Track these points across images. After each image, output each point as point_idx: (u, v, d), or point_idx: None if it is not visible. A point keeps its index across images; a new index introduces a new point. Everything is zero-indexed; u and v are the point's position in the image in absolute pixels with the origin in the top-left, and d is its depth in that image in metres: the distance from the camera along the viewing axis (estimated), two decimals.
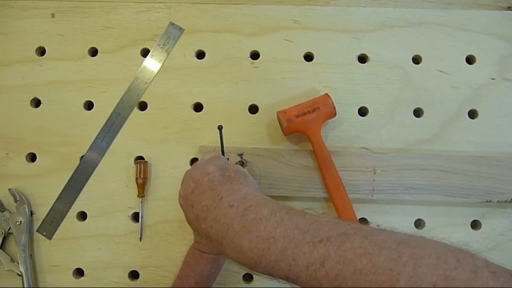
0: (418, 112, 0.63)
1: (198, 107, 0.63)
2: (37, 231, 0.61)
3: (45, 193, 0.61)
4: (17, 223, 0.60)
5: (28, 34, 0.64)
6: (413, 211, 0.61)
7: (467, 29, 0.63)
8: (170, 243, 0.61)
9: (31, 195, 0.61)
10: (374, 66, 0.63)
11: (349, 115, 0.62)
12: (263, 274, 0.36)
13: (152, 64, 0.63)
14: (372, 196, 0.58)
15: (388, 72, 0.63)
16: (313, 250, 0.32)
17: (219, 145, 0.55)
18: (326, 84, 0.62)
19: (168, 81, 0.63)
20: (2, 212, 0.60)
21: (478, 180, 0.58)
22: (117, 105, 0.62)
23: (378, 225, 0.60)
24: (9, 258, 0.60)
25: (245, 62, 0.63)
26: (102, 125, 0.62)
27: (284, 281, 0.34)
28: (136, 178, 0.60)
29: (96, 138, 0.62)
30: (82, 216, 0.62)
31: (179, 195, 0.46)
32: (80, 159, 0.62)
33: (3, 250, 0.60)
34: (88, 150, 0.62)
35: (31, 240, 0.61)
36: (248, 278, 0.61)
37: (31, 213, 0.61)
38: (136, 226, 0.61)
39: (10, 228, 0.60)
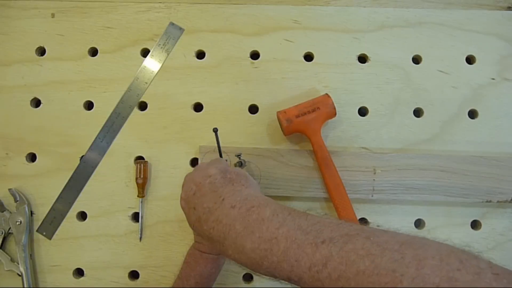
0: (418, 112, 0.63)
1: (198, 107, 0.63)
2: (37, 231, 0.61)
3: (45, 193, 0.61)
4: (17, 223, 0.60)
5: (28, 34, 0.64)
6: (413, 211, 0.61)
7: (467, 29, 0.63)
8: (170, 243, 0.61)
9: (31, 195, 0.61)
10: (374, 66, 0.63)
11: (349, 115, 0.62)
12: (266, 275, 0.36)
13: (152, 64, 0.63)
14: (372, 196, 0.58)
15: (388, 72, 0.63)
16: (316, 251, 0.31)
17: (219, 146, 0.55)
18: (326, 84, 0.62)
19: (168, 81, 0.63)
20: (2, 212, 0.60)
21: (478, 180, 0.58)
22: (117, 105, 0.62)
23: (378, 225, 0.60)
24: (9, 258, 0.60)
25: (245, 62, 0.63)
26: (102, 125, 0.62)
27: (286, 282, 0.34)
28: (136, 178, 0.60)
29: (96, 138, 0.62)
30: (82, 216, 0.62)
31: (181, 198, 0.46)
32: (80, 159, 0.62)
33: (3, 250, 0.60)
34: (88, 150, 0.62)
35: (31, 240, 0.61)
36: (248, 278, 0.61)
37: (31, 213, 0.61)
38: (136, 226, 0.61)
39: (10, 228, 0.60)
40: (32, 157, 0.62)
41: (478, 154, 0.60)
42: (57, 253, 0.61)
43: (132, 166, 0.61)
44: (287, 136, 0.60)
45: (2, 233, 0.60)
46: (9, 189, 0.60)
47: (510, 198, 0.58)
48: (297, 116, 0.56)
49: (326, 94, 0.58)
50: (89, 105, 0.64)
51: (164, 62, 0.63)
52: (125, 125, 0.62)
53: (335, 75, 0.63)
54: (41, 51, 0.64)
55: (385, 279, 0.27)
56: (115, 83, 0.63)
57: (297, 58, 0.63)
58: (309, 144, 0.58)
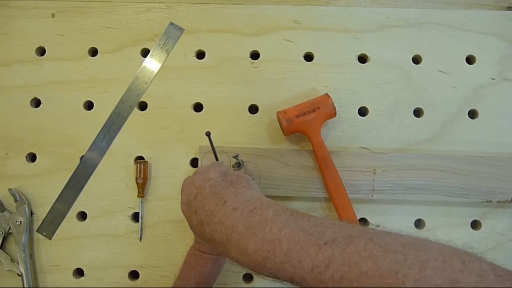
0: (418, 112, 0.63)
1: (198, 107, 0.63)
2: (37, 231, 0.61)
3: (45, 193, 0.61)
4: (17, 223, 0.60)
5: (28, 34, 0.64)
6: (413, 211, 0.61)
7: (467, 29, 0.63)
8: (170, 243, 0.61)
9: (31, 195, 0.61)
10: (374, 66, 0.63)
11: (349, 115, 0.62)
12: (269, 276, 0.36)
13: (152, 64, 0.63)
14: (372, 196, 0.58)
15: (388, 72, 0.63)
16: (318, 252, 0.31)
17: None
18: (326, 84, 0.62)
19: (168, 81, 0.63)
20: (2, 212, 0.60)
21: (478, 180, 0.58)
22: (117, 105, 0.62)
23: (378, 225, 0.60)
24: (9, 258, 0.60)
25: (245, 62, 0.63)
26: (102, 125, 0.62)
27: (289, 283, 0.34)
28: (136, 178, 0.60)
29: (96, 138, 0.62)
30: (82, 216, 0.62)
31: (181, 202, 0.46)
32: (80, 159, 0.62)
33: (3, 250, 0.60)
34: (88, 150, 0.62)
35: (31, 240, 0.61)
36: (248, 278, 0.61)
37: (31, 213, 0.61)
38: (136, 226, 0.61)
39: (10, 228, 0.60)
40: (32, 157, 0.62)
41: (478, 154, 0.60)
42: (57, 253, 0.61)
43: (132, 166, 0.61)
44: (287, 136, 0.60)
45: (2, 233, 0.60)
46: (9, 189, 0.60)
47: (510, 198, 0.58)
48: (297, 116, 0.56)
49: (326, 94, 0.58)
50: (89, 105, 0.64)
51: (164, 62, 0.63)
52: (125, 125, 0.62)
53: (335, 75, 0.63)
54: (41, 51, 0.64)
55: (387, 281, 0.27)
56: (115, 83, 0.63)
57: (297, 58, 0.63)
58: (309, 144, 0.58)
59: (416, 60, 0.63)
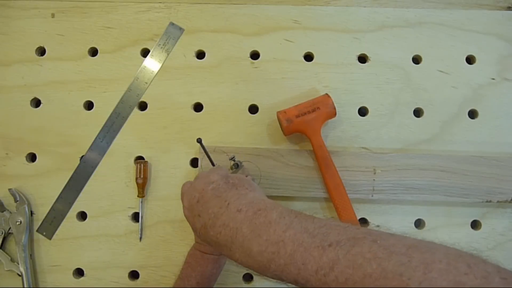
0: (418, 112, 0.63)
1: (198, 107, 0.63)
2: (37, 231, 0.61)
3: (45, 193, 0.61)
4: (17, 223, 0.60)
5: (28, 34, 0.64)
6: (413, 211, 0.60)
7: (467, 29, 0.63)
8: (170, 243, 0.61)
9: (31, 195, 0.61)
10: (374, 66, 0.63)
11: (349, 115, 0.62)
12: (273, 278, 0.36)
13: (152, 64, 0.63)
14: (372, 196, 0.58)
15: (388, 72, 0.63)
16: (323, 254, 0.31)
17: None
18: (326, 84, 0.62)
19: (168, 81, 0.63)
20: (2, 212, 0.60)
21: (478, 180, 0.58)
22: (117, 105, 0.62)
23: (378, 225, 0.60)
24: (9, 258, 0.60)
25: (245, 62, 0.63)
26: (102, 125, 0.62)
27: (294, 285, 0.34)
28: (136, 178, 0.60)
29: (96, 138, 0.62)
30: (82, 216, 0.62)
31: (184, 207, 0.45)
32: (80, 159, 0.62)
33: (3, 250, 0.60)
34: (88, 150, 0.62)
35: (31, 240, 0.61)
36: (248, 278, 0.61)
37: (31, 213, 0.61)
38: (136, 226, 0.61)
39: (10, 228, 0.60)
40: (32, 157, 0.62)
41: (478, 154, 0.60)
42: (57, 253, 0.61)
43: (132, 166, 0.61)
44: (287, 136, 0.60)
45: (2, 233, 0.60)
46: (9, 189, 0.60)
47: (510, 198, 0.58)
48: (297, 116, 0.56)
49: (326, 94, 0.58)
50: (89, 105, 0.64)
51: (164, 62, 0.63)
52: (125, 125, 0.62)
53: (335, 75, 0.63)
54: (41, 51, 0.64)
55: (392, 283, 0.27)
56: (115, 83, 0.63)
57: (297, 58, 0.63)
58: (309, 144, 0.58)
59: (416, 60, 0.63)
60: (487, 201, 0.58)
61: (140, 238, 0.61)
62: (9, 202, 0.61)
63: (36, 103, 0.63)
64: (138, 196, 0.60)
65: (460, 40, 0.63)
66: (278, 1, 0.64)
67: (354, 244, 0.31)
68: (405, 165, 0.58)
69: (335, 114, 0.58)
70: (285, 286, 0.36)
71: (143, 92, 0.63)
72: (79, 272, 0.61)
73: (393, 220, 0.60)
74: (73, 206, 0.61)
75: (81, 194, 0.61)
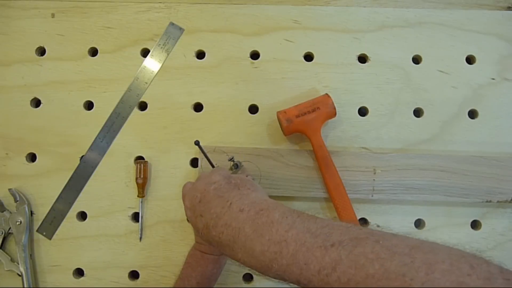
0: (418, 112, 0.63)
1: (198, 107, 0.63)
2: (37, 231, 0.61)
3: (45, 193, 0.61)
4: (17, 223, 0.60)
5: (28, 34, 0.64)
6: (413, 211, 0.60)
7: (467, 29, 0.63)
8: (170, 243, 0.61)
9: (31, 195, 0.61)
10: (374, 66, 0.63)
11: (349, 115, 0.62)
12: (276, 278, 0.36)
13: (152, 64, 0.63)
14: (372, 196, 0.58)
15: (388, 72, 0.63)
16: (325, 254, 0.31)
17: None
18: (326, 84, 0.62)
19: (168, 81, 0.63)
20: (2, 212, 0.60)
21: (478, 180, 0.58)
22: (117, 105, 0.62)
23: (378, 225, 0.60)
24: (9, 258, 0.60)
25: (245, 62, 0.63)
26: (102, 125, 0.62)
27: (296, 285, 0.34)
28: (136, 178, 0.60)
29: (96, 138, 0.62)
30: (82, 216, 0.62)
31: (186, 208, 0.45)
32: (80, 159, 0.62)
33: (3, 250, 0.60)
34: (88, 150, 0.62)
35: (31, 240, 0.61)
36: (248, 278, 0.61)
37: (31, 213, 0.61)
38: (136, 226, 0.61)
39: (10, 228, 0.60)
40: (32, 157, 0.62)
41: (478, 154, 0.60)
42: (57, 253, 0.61)
43: (132, 166, 0.61)
44: (287, 136, 0.60)
45: (2, 233, 0.60)
46: (9, 189, 0.60)
47: (510, 198, 0.58)
48: (297, 116, 0.56)
49: (326, 94, 0.58)
50: (89, 105, 0.64)
51: (164, 62, 0.63)
52: (125, 125, 0.62)
53: (335, 75, 0.63)
54: (41, 51, 0.64)
55: (394, 283, 0.27)
56: (115, 83, 0.63)
57: (297, 58, 0.63)
58: (309, 144, 0.58)
59: (416, 60, 0.63)
60: (487, 201, 0.58)
61: (140, 238, 0.61)
62: (9, 202, 0.61)
63: (36, 103, 0.63)
64: (138, 196, 0.60)
65: (460, 40, 0.63)
66: (278, 1, 0.64)
67: (357, 245, 0.31)
68: (405, 165, 0.58)
69: (335, 114, 0.58)
70: (287, 286, 0.36)
71: (143, 92, 0.63)
72: (79, 272, 0.61)
73: (393, 220, 0.60)
74: (73, 206, 0.61)
75: (81, 194, 0.61)
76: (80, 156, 0.62)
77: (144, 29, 0.64)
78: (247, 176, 0.52)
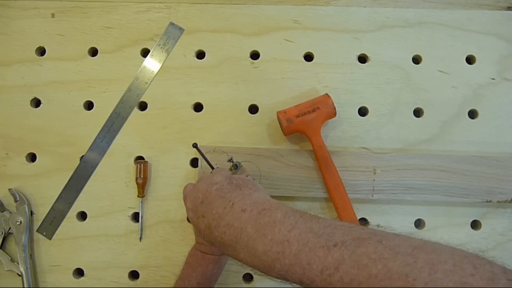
0: (418, 112, 0.63)
1: (198, 107, 0.63)
2: (37, 231, 0.61)
3: (45, 193, 0.61)
4: (17, 223, 0.60)
5: (28, 34, 0.64)
6: (413, 211, 0.60)
7: (467, 29, 0.63)
8: (170, 243, 0.61)
9: (31, 195, 0.61)
10: (374, 66, 0.63)
11: (349, 115, 0.62)
12: (278, 278, 0.36)
13: (152, 64, 0.63)
14: (372, 196, 0.58)
15: (388, 72, 0.63)
16: (328, 254, 0.31)
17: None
18: (326, 84, 0.62)
19: (168, 81, 0.63)
20: (2, 212, 0.60)
21: (478, 180, 0.58)
22: (117, 105, 0.62)
23: (378, 225, 0.60)
24: (9, 258, 0.60)
25: (245, 62, 0.63)
26: (102, 125, 0.62)
27: (298, 285, 0.34)
28: (136, 178, 0.60)
29: (96, 138, 0.62)
30: (82, 216, 0.62)
31: (187, 209, 0.45)
32: (80, 159, 0.62)
33: (3, 250, 0.60)
34: (88, 150, 0.62)
35: (31, 240, 0.61)
36: (248, 278, 0.61)
37: (31, 213, 0.61)
38: (136, 226, 0.61)
39: (10, 228, 0.60)
40: (32, 157, 0.62)
41: (478, 154, 0.60)
42: (57, 253, 0.61)
43: (132, 166, 0.61)
44: (287, 136, 0.60)
45: (2, 233, 0.60)
46: (9, 189, 0.60)
47: (510, 198, 0.58)
48: (297, 116, 0.56)
49: (326, 94, 0.58)
50: (89, 105, 0.64)
51: (164, 62, 0.63)
52: (125, 125, 0.62)
53: (335, 75, 0.63)
54: (41, 51, 0.64)
55: (397, 283, 0.27)
56: (115, 83, 0.63)
57: (297, 58, 0.63)
58: (309, 144, 0.58)
59: (416, 60, 0.63)
60: (487, 201, 0.58)
61: (140, 238, 0.61)
62: (9, 202, 0.61)
63: (36, 103, 0.63)
64: (138, 196, 0.60)
65: (460, 40, 0.63)
66: (278, 1, 0.64)
67: (360, 245, 0.31)
68: (405, 165, 0.58)
69: (335, 114, 0.58)
70: (289, 286, 0.36)
71: (143, 92, 0.63)
72: (79, 272, 0.61)
73: (393, 220, 0.60)
74: (73, 206, 0.61)
75: (81, 194, 0.61)
76: (80, 156, 0.62)
77: (144, 29, 0.64)
78: (247, 176, 0.52)
